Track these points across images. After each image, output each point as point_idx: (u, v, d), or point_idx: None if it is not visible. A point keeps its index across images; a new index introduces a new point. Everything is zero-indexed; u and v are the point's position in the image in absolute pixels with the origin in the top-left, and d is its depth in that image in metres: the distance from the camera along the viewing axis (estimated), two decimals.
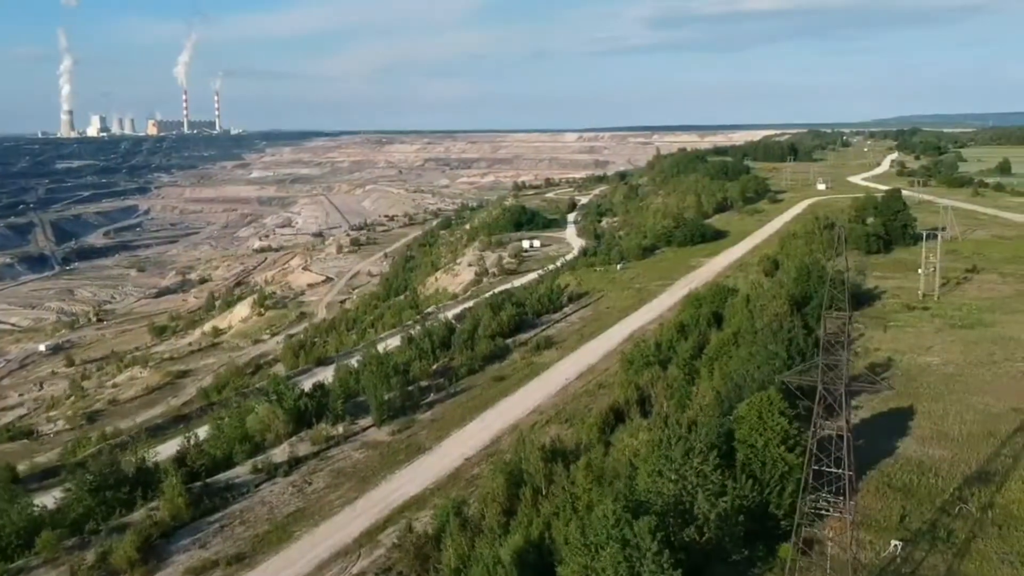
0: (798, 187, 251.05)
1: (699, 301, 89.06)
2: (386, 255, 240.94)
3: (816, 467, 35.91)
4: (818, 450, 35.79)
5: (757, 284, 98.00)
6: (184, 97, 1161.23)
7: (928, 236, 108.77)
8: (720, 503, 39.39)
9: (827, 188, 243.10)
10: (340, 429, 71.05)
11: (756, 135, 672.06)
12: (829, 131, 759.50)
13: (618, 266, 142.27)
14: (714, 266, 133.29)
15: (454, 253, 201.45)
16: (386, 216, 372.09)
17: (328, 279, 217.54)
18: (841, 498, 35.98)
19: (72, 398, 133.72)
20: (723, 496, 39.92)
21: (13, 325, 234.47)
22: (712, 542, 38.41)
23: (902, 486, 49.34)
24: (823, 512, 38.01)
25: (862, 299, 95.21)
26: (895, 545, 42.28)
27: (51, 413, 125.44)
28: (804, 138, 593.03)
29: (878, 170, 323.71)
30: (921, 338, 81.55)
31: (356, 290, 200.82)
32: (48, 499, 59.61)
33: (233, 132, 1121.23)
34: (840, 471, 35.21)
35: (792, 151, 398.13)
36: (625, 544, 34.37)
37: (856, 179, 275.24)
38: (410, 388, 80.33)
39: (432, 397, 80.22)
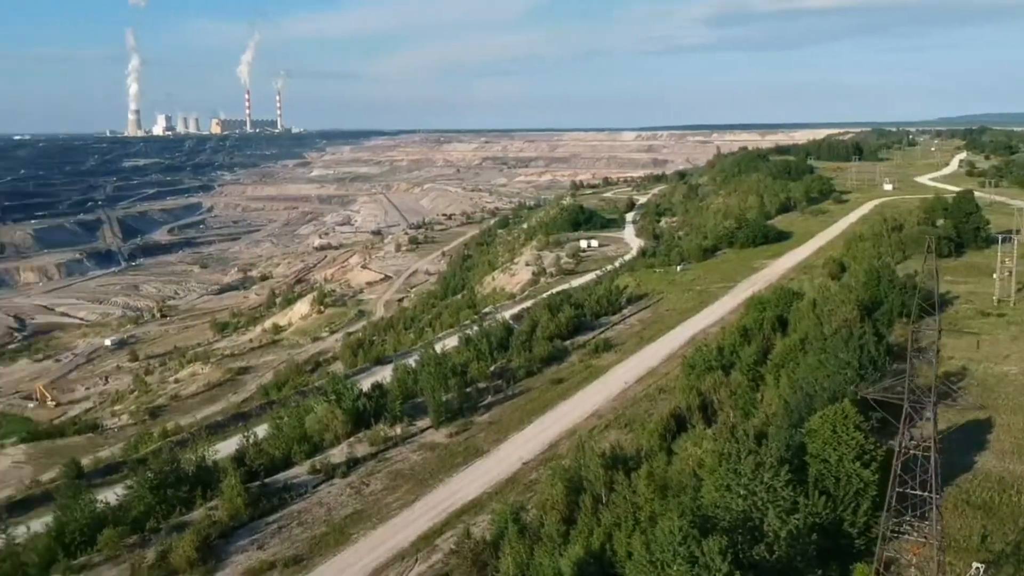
0: (863, 187, 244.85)
1: (763, 304, 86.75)
2: (444, 254, 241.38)
3: (900, 489, 33.93)
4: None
5: (824, 288, 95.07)
6: (247, 97, 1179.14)
7: (1003, 239, 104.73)
8: (791, 520, 37.71)
9: (893, 188, 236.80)
10: (398, 430, 70.69)
11: (818, 134, 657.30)
12: (894, 130, 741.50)
13: (678, 267, 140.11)
14: (777, 268, 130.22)
15: (511, 252, 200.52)
16: (444, 215, 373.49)
17: (386, 277, 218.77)
18: (924, 521, 33.96)
19: (135, 393, 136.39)
20: (794, 513, 38.23)
21: (81, 319, 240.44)
22: (783, 561, 36.77)
23: (982, 504, 46.89)
24: (904, 533, 36.06)
25: None
26: (977, 568, 40.04)
27: (115, 407, 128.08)
28: (869, 137, 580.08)
29: (946, 170, 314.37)
30: (997, 346, 78.13)
31: (414, 288, 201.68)
32: (111, 495, 60.27)
33: (294, 131, 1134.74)
34: (925, 493, 33.19)
35: (857, 150, 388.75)
36: (694, 563, 33.04)
37: (923, 179, 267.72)
38: (468, 389, 79.77)
39: (490, 399, 79.45)
